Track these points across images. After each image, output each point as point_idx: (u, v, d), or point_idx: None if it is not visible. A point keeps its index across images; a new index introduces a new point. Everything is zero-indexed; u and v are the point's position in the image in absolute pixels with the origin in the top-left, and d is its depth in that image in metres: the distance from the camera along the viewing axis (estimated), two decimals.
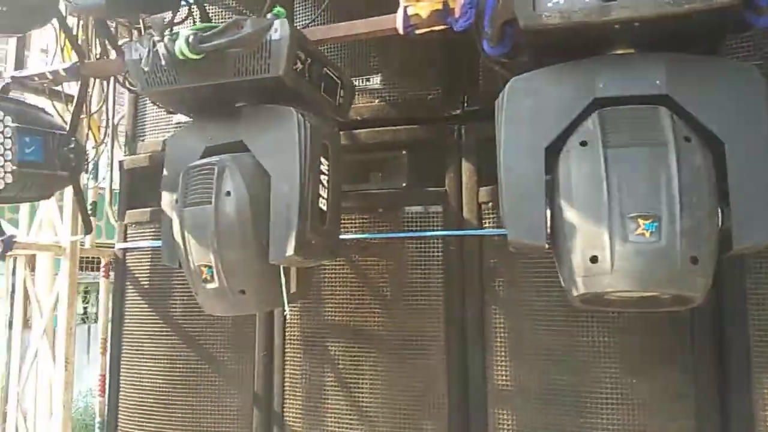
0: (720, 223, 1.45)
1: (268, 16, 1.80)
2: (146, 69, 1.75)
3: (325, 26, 2.10)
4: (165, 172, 2.02)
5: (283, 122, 1.79)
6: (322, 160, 1.83)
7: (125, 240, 2.79)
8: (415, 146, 2.40)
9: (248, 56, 1.74)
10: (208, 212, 1.76)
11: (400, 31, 1.86)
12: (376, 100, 2.46)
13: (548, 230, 1.53)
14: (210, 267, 1.78)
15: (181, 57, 1.67)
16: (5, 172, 2.02)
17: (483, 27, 1.70)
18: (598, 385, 2.04)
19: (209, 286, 1.80)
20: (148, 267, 2.73)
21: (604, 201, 1.41)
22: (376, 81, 2.47)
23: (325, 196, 1.83)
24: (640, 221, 1.40)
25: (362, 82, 2.45)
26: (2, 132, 2.02)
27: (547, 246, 1.54)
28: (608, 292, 1.46)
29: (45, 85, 2.37)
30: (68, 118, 2.48)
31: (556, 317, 2.11)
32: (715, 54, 1.68)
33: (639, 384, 2.00)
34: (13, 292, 3.00)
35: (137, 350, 2.72)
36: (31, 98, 2.68)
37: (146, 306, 2.72)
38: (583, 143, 1.49)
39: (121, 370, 2.75)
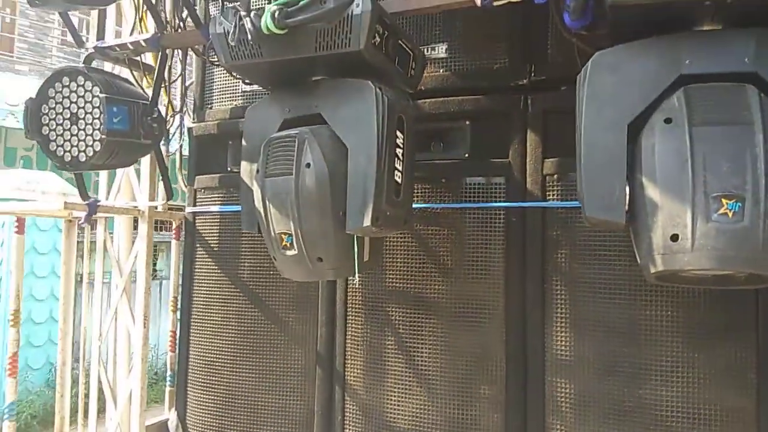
0: None
1: None
2: (232, 43, 1.80)
3: None
4: (244, 143, 2.09)
5: (361, 96, 1.83)
6: (398, 133, 1.87)
7: (195, 204, 2.90)
8: (478, 116, 2.39)
9: (329, 31, 1.77)
10: (289, 183, 1.83)
11: (478, 4, 1.86)
12: (441, 70, 2.45)
13: (626, 207, 1.55)
14: (290, 235, 1.87)
15: (266, 32, 1.71)
16: (94, 140, 2.14)
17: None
18: (658, 359, 2.05)
19: (288, 253, 1.89)
20: (217, 230, 2.83)
21: (688, 179, 1.41)
22: (441, 50, 2.46)
23: (400, 168, 1.88)
24: (724, 201, 1.40)
25: (427, 51, 2.43)
26: (91, 102, 2.13)
27: (624, 223, 1.57)
28: (687, 270, 1.48)
29: (125, 55, 2.45)
30: (145, 85, 2.58)
31: (619, 290, 2.12)
32: None
33: (701, 359, 2.01)
34: (81, 251, 3.17)
35: (206, 309, 2.84)
36: (107, 66, 2.79)
37: (215, 267, 2.82)
38: (668, 120, 1.48)
39: (191, 327, 2.87)
